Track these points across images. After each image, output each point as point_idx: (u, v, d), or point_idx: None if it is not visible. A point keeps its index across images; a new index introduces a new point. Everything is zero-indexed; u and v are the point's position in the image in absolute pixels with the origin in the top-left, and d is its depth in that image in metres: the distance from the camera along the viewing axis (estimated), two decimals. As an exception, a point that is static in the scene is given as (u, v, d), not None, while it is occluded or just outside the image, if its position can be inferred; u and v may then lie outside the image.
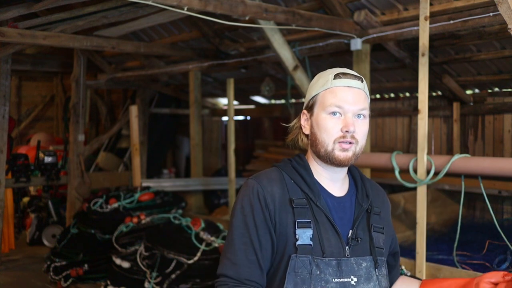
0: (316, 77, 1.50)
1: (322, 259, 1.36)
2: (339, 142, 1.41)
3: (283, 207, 1.40)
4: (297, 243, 1.36)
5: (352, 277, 1.38)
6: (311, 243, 1.37)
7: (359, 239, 1.42)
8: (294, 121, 1.55)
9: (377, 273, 1.41)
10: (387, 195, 1.63)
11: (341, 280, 1.36)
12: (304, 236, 1.37)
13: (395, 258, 1.59)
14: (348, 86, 1.43)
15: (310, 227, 1.38)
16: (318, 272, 1.35)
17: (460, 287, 1.41)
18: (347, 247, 1.40)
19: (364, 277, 1.39)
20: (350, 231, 1.43)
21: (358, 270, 1.39)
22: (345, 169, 1.50)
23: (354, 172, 1.56)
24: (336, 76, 1.44)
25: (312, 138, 1.46)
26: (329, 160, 1.43)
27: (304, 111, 1.50)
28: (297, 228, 1.37)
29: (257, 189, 1.42)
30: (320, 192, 1.45)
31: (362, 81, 1.46)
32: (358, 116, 1.44)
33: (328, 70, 1.49)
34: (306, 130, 1.49)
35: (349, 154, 1.41)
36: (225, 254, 1.43)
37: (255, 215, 1.40)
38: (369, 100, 1.50)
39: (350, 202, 1.48)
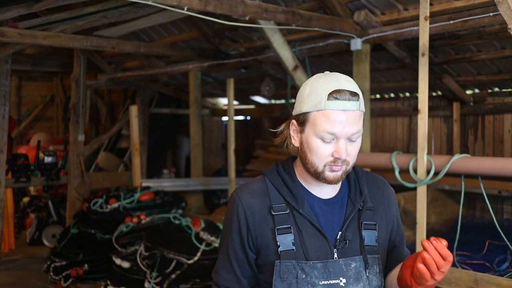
0: (308, 87, 1.40)
1: (307, 263, 1.36)
2: (330, 165, 1.38)
3: (263, 219, 1.41)
4: (279, 249, 1.37)
5: (341, 278, 1.37)
6: (294, 247, 1.37)
7: (347, 241, 1.41)
8: (283, 126, 1.50)
9: (367, 273, 1.40)
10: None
11: (328, 282, 1.36)
12: (285, 242, 1.37)
13: (399, 246, 1.58)
14: (343, 110, 1.34)
15: (291, 232, 1.38)
16: (304, 276, 1.36)
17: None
18: (335, 249, 1.40)
19: (354, 278, 1.38)
20: (340, 232, 1.42)
21: (347, 271, 1.38)
22: None
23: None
24: (330, 96, 1.34)
25: (302, 155, 1.42)
26: (318, 179, 1.41)
27: (294, 121, 1.44)
28: (277, 235, 1.38)
29: (237, 203, 1.46)
30: (304, 198, 1.43)
31: (358, 98, 1.36)
32: (351, 140, 1.38)
33: (322, 82, 1.38)
34: (296, 143, 1.44)
35: (338, 173, 1.39)
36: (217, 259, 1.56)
37: (232, 229, 1.47)
38: (363, 112, 1.40)
39: (341, 203, 1.47)
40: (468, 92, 5.46)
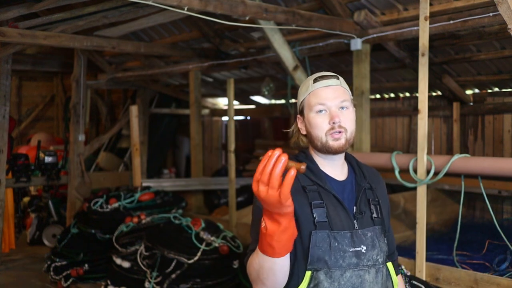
0: (301, 85, 1.74)
1: (338, 232, 1.57)
2: (330, 134, 1.62)
3: (298, 192, 1.60)
4: (316, 220, 1.57)
5: (362, 246, 1.59)
6: (327, 220, 1.58)
7: (363, 212, 1.65)
8: (293, 126, 1.78)
9: (378, 240, 1.63)
10: (381, 175, 1.86)
11: (355, 249, 1.58)
12: (320, 214, 1.58)
13: (389, 231, 1.78)
14: (326, 86, 1.65)
15: (323, 207, 1.59)
16: (336, 244, 1.56)
17: None
18: (355, 220, 1.62)
19: (371, 245, 1.61)
20: (354, 207, 1.65)
21: (365, 239, 1.60)
22: (342, 156, 1.71)
23: (351, 159, 1.78)
24: (315, 80, 1.67)
25: (309, 136, 1.69)
26: (326, 150, 1.65)
27: (298, 115, 1.73)
28: (313, 208, 1.58)
29: None
30: (325, 178, 1.67)
31: (338, 78, 1.68)
32: (342, 108, 1.64)
33: (309, 77, 1.73)
34: (303, 131, 1.72)
35: (341, 141, 1.63)
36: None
37: None
38: (349, 93, 1.70)
39: (351, 184, 1.71)
40: (468, 92, 5.46)
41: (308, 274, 1.55)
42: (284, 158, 1.29)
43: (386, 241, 1.68)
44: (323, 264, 1.55)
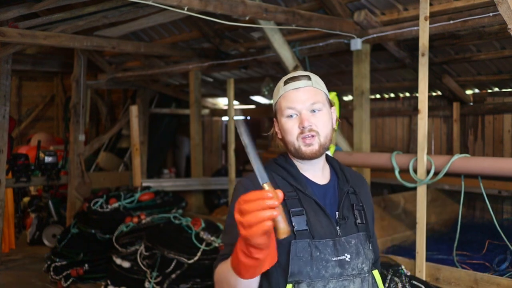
0: (275, 87, 1.66)
1: (320, 241, 1.48)
2: (302, 138, 1.54)
3: None
4: (295, 229, 1.47)
5: (346, 254, 1.51)
6: (307, 228, 1.49)
7: (346, 218, 1.56)
8: (271, 130, 1.70)
9: (363, 248, 1.55)
10: (367, 181, 1.83)
11: (338, 258, 1.49)
12: (299, 222, 1.49)
13: (373, 237, 1.71)
14: (296, 88, 1.57)
15: (303, 214, 1.50)
16: (318, 253, 1.48)
17: None
18: (337, 227, 1.54)
19: (355, 253, 1.52)
20: (337, 212, 1.57)
21: (349, 247, 1.52)
22: (321, 159, 1.63)
23: (333, 162, 1.70)
24: (285, 82, 1.59)
25: (283, 141, 1.62)
26: (299, 156, 1.58)
27: (274, 119, 1.67)
28: (292, 216, 1.49)
29: (248, 183, 1.54)
30: (306, 182, 1.59)
31: (309, 78, 1.59)
32: (313, 110, 1.56)
33: (282, 78, 1.64)
34: (279, 135, 1.64)
35: (314, 147, 1.55)
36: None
37: None
38: (324, 93, 1.61)
39: (333, 188, 1.63)
40: (468, 92, 5.46)
41: (289, 287, 1.46)
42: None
43: (371, 248, 1.60)
44: (304, 276, 1.46)
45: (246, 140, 1.28)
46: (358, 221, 1.58)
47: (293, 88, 1.57)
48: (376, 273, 1.63)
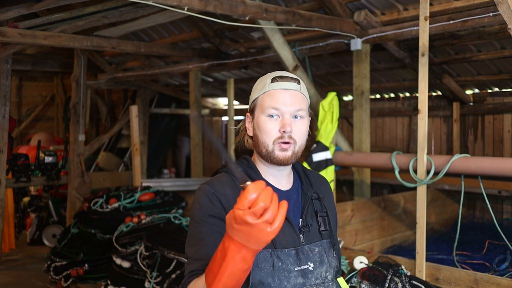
0: (258, 81, 1.57)
1: (282, 251, 1.43)
2: (278, 143, 1.47)
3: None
4: None
5: (309, 263, 1.46)
6: None
7: (310, 225, 1.51)
8: (240, 123, 1.62)
9: (327, 255, 1.51)
10: (332, 188, 1.75)
11: (301, 268, 1.44)
12: None
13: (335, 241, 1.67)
14: (284, 89, 1.49)
15: None
16: (280, 264, 1.42)
17: None
18: (301, 235, 1.48)
19: (319, 262, 1.48)
20: (300, 220, 1.51)
21: (312, 256, 1.48)
22: (289, 167, 1.56)
23: (297, 166, 1.63)
24: (273, 79, 1.51)
25: (255, 140, 1.54)
26: (270, 160, 1.50)
27: (248, 113, 1.58)
28: None
29: (211, 191, 1.47)
30: None
31: (298, 83, 1.52)
32: (295, 117, 1.49)
33: (268, 74, 1.55)
34: (250, 132, 1.57)
35: (288, 153, 1.48)
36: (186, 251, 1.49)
37: (207, 212, 1.44)
38: (308, 101, 1.55)
39: (297, 194, 1.56)
40: (468, 92, 5.46)
41: None
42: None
43: (335, 255, 1.55)
44: (266, 287, 1.40)
45: (214, 140, 1.20)
46: (322, 228, 1.53)
47: (281, 88, 1.49)
48: (341, 280, 1.58)
